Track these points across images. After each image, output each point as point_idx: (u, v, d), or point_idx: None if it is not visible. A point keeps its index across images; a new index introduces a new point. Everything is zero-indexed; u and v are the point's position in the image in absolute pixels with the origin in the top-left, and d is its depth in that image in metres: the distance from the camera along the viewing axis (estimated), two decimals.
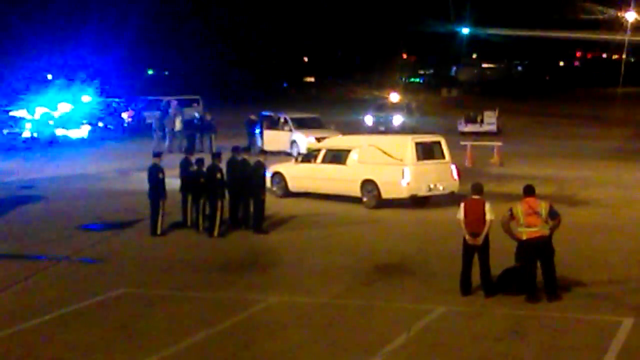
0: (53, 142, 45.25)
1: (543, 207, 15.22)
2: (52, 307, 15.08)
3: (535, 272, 15.19)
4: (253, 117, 42.41)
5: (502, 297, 15.32)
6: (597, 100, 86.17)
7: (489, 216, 15.45)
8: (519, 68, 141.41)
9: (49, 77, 59.48)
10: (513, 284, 15.40)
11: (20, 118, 46.92)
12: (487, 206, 15.57)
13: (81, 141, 47.05)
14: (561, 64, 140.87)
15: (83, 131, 48.45)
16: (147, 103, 58.10)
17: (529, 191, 15.49)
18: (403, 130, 49.35)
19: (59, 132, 46.65)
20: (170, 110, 45.58)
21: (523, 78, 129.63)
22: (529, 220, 15.13)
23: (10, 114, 47.25)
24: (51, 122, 47.04)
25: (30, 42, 70.57)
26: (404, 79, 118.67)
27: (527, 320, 14.21)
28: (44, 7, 77.78)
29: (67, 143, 45.91)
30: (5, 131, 44.44)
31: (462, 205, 15.78)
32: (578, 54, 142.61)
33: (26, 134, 45.11)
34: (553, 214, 15.23)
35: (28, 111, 48.09)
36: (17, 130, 45.09)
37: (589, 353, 12.65)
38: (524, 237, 15.18)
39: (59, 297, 15.80)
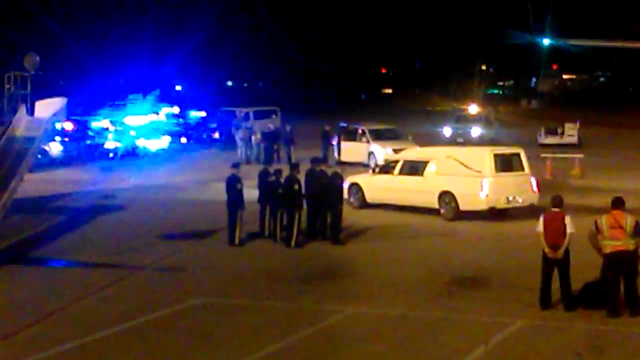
0: (134, 153, 45.88)
1: (628, 222, 14.93)
2: (132, 315, 15.33)
3: (617, 287, 14.90)
4: (328, 128, 42.52)
5: (582, 311, 15.07)
6: None
7: (569, 229, 15.24)
8: (602, 79, 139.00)
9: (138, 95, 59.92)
10: (594, 299, 15.14)
11: (102, 129, 47.58)
12: (568, 219, 15.37)
13: (161, 152, 47.65)
14: None
15: (163, 142, 49.00)
16: (222, 115, 57.98)
17: (617, 204, 15.22)
18: (481, 141, 48.89)
19: (140, 142, 47.24)
20: (242, 122, 45.97)
21: (605, 89, 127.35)
22: (612, 233, 14.87)
23: (92, 124, 47.94)
24: (132, 133, 47.67)
25: (109, 55, 72.05)
26: (482, 90, 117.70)
27: (608, 335, 13.96)
28: (124, 19, 79.31)
29: (147, 154, 46.55)
30: (87, 142, 45.18)
31: (542, 218, 15.61)
32: None
33: (109, 144, 45.74)
34: (638, 231, 14.91)
35: (110, 122, 48.77)
36: (99, 141, 45.76)
37: None
38: (608, 251, 14.91)
39: (139, 306, 16.04)
